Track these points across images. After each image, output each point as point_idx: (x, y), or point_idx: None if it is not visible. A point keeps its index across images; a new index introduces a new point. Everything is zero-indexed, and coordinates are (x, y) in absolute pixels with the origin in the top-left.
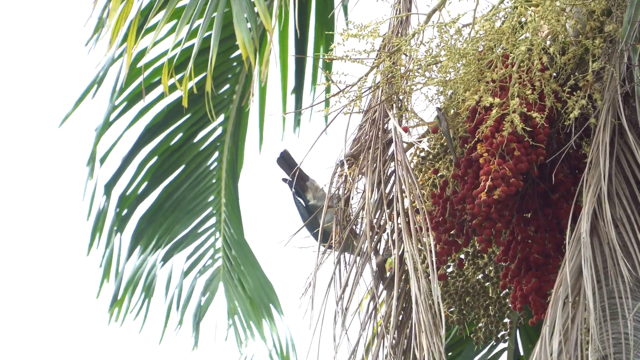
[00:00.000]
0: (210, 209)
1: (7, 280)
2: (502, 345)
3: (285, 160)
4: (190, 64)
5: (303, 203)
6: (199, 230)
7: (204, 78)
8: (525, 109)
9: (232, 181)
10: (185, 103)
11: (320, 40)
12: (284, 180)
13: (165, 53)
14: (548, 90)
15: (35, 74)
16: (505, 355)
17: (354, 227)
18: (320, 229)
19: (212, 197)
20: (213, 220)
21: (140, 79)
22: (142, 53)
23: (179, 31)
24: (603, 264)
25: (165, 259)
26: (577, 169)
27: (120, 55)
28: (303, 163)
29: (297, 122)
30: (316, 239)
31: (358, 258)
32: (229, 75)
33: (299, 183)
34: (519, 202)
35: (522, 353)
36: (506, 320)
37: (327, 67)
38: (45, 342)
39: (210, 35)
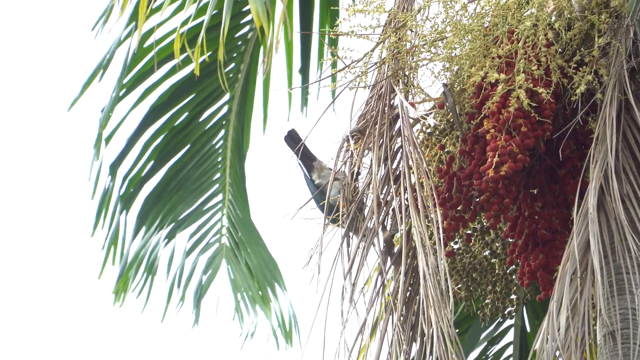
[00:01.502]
0: (215, 188)
1: (13, 262)
2: (509, 322)
3: (293, 139)
4: (202, 32)
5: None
6: (204, 209)
7: (209, 57)
8: (531, 85)
9: (237, 160)
10: (197, 71)
11: (326, 18)
12: (299, 158)
13: (173, 31)
14: (554, 65)
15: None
16: (512, 331)
17: (360, 203)
18: (326, 201)
19: (217, 176)
20: (217, 198)
21: (146, 59)
22: (149, 33)
23: (187, 7)
24: (610, 240)
25: (169, 237)
26: (584, 144)
27: (127, 36)
28: (310, 142)
29: (305, 101)
30: (323, 212)
31: (366, 233)
32: (234, 54)
33: (306, 162)
34: (525, 178)
35: (528, 329)
36: (513, 296)
37: (333, 43)
38: (48, 322)
39: (216, 13)
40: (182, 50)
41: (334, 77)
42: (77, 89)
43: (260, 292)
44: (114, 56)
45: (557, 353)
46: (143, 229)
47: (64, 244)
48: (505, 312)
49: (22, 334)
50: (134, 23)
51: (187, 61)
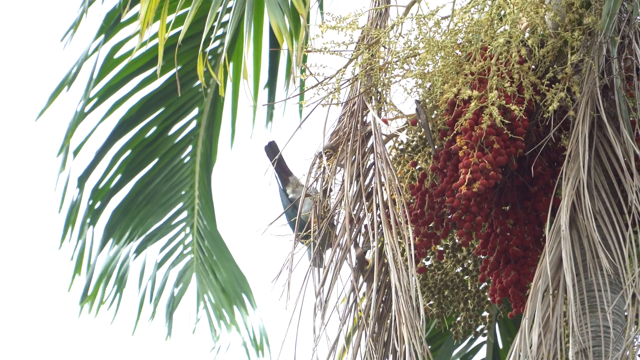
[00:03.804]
0: (183, 202)
1: None
2: (481, 339)
3: (273, 151)
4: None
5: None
6: (173, 223)
7: (178, 71)
8: (504, 102)
9: (205, 174)
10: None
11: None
12: (275, 171)
13: (143, 44)
14: (527, 82)
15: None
16: (484, 348)
17: (332, 219)
18: (297, 217)
19: (185, 191)
20: (186, 213)
21: (115, 71)
22: (118, 45)
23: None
24: (582, 257)
25: (139, 251)
26: (556, 161)
27: (95, 49)
28: (284, 157)
29: (270, 117)
30: (293, 229)
31: (337, 250)
32: (204, 69)
33: (282, 176)
34: (497, 195)
35: (501, 346)
36: (485, 314)
37: (303, 60)
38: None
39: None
40: (152, 63)
41: (302, 95)
42: (45, 99)
43: (230, 306)
44: (82, 68)
45: None
46: (111, 241)
47: (32, 255)
48: (478, 330)
49: None
50: (102, 36)
51: (156, 75)
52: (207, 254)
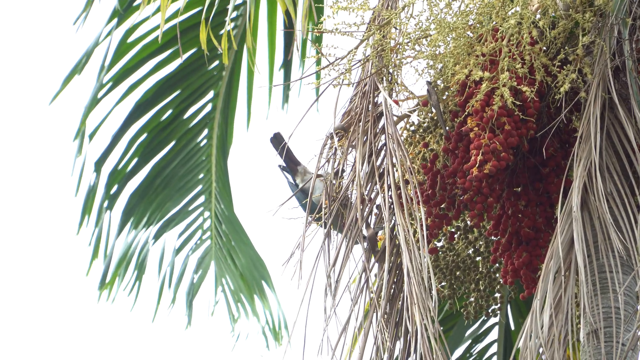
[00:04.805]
0: (201, 186)
1: None
2: (493, 320)
3: (278, 141)
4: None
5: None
6: (190, 208)
7: (194, 54)
8: (515, 83)
9: (222, 158)
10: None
11: (310, 14)
12: (280, 166)
13: (156, 27)
14: (538, 64)
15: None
16: (496, 329)
17: (344, 200)
18: (309, 198)
19: (202, 175)
20: (204, 197)
21: (130, 54)
22: (132, 28)
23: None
24: (593, 238)
25: (157, 236)
26: (568, 143)
27: (109, 33)
28: (294, 140)
29: (286, 98)
30: (305, 210)
31: (349, 230)
32: (219, 52)
33: (290, 166)
34: (509, 177)
35: (513, 328)
36: (497, 294)
37: (317, 40)
38: (37, 320)
39: (200, 10)
40: (167, 46)
41: (317, 75)
42: (59, 84)
43: (248, 291)
44: (95, 52)
45: (541, 350)
46: (128, 226)
47: (50, 240)
48: (489, 310)
49: (10, 333)
50: (116, 19)
51: (171, 57)
52: (225, 238)
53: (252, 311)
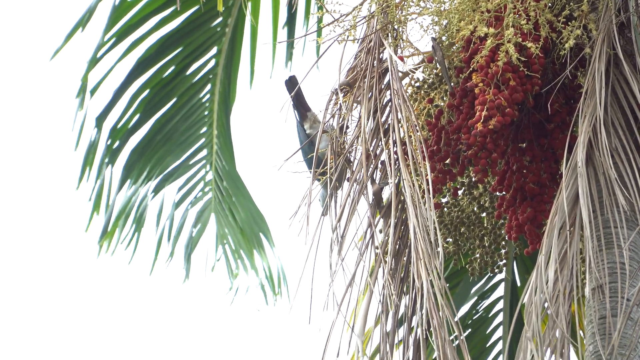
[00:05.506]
0: (202, 141)
1: None
2: (499, 277)
3: (292, 85)
4: None
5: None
6: (191, 162)
7: (196, 10)
8: (520, 39)
9: (224, 114)
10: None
11: None
12: (293, 104)
13: None
14: (543, 20)
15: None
16: (502, 286)
17: (348, 155)
18: (315, 153)
19: (204, 129)
20: (205, 152)
21: (133, 11)
22: None
23: None
24: (598, 194)
25: (157, 190)
26: (573, 99)
27: None
28: (304, 93)
29: (290, 56)
30: (310, 165)
31: (354, 185)
32: (222, 8)
33: (300, 110)
34: (514, 132)
35: (519, 284)
36: (502, 250)
37: None
38: (34, 275)
39: None
40: (170, 3)
41: (319, 32)
42: (62, 39)
43: (248, 245)
44: (98, 7)
45: (546, 305)
46: (129, 181)
47: (48, 196)
48: (495, 267)
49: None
50: None
51: (174, 14)
52: (226, 193)
53: (251, 265)
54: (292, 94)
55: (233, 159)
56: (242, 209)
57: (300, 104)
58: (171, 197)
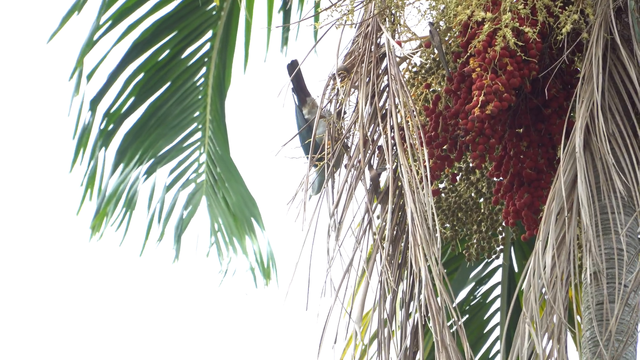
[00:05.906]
0: (195, 125)
1: None
2: (497, 262)
3: (294, 69)
4: None
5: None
6: (184, 145)
7: None
8: (518, 24)
9: (218, 98)
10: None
11: None
12: (292, 89)
13: None
14: (540, 4)
15: None
16: (500, 272)
17: (345, 140)
18: (312, 138)
19: (197, 113)
20: (198, 135)
21: None
22: None
23: None
24: (595, 179)
25: (149, 172)
26: (570, 84)
27: None
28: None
29: (285, 41)
30: (307, 151)
31: (351, 171)
32: None
33: (300, 95)
34: (511, 118)
35: (516, 270)
36: (499, 236)
37: None
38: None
39: None
40: None
41: (316, 17)
42: (57, 23)
43: (239, 229)
44: None
45: (543, 290)
46: (122, 165)
47: (41, 179)
48: (492, 252)
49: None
50: None
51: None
52: (218, 177)
53: (242, 249)
54: (292, 77)
55: (227, 144)
56: (233, 193)
57: (300, 89)
58: (163, 179)
